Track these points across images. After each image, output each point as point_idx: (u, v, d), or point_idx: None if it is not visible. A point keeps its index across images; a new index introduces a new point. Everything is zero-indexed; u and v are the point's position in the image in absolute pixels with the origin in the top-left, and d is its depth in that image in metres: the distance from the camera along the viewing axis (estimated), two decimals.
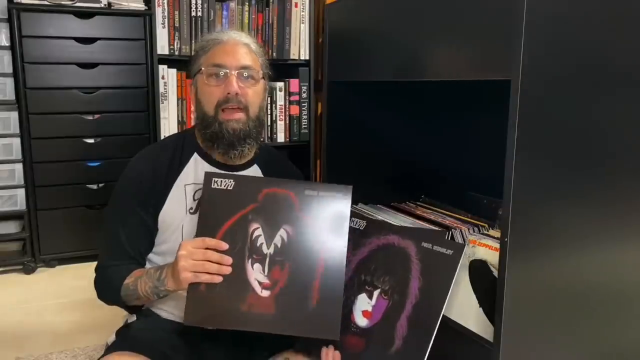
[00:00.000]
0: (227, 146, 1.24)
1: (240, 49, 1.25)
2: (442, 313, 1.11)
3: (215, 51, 1.25)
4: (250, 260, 1.11)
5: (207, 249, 1.09)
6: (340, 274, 1.12)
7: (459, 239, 1.43)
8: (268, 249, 1.12)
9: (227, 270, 1.09)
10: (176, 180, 1.27)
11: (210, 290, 1.09)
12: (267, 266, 1.11)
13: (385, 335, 1.15)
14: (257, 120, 1.27)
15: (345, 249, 1.14)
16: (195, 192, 1.26)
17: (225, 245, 1.10)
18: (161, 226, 1.26)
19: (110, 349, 1.20)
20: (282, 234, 1.12)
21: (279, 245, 1.12)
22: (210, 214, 1.13)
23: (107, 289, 1.24)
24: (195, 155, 1.30)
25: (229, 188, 1.14)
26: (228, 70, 1.22)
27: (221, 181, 1.14)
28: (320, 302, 1.10)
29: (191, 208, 1.26)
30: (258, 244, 1.12)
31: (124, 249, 1.24)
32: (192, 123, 2.50)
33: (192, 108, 1.40)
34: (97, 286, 1.28)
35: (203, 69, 1.25)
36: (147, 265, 1.28)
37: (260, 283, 1.10)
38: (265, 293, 1.10)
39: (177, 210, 1.25)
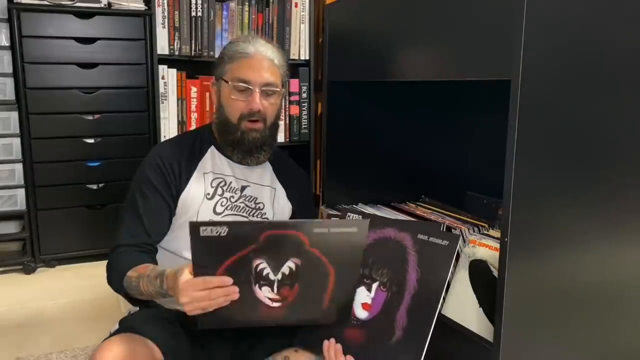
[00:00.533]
0: (246, 152, 1.33)
1: (265, 64, 1.30)
2: (440, 302, 1.12)
3: (241, 64, 1.30)
4: (257, 285, 1.07)
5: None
6: (352, 280, 1.12)
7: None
8: (275, 276, 1.08)
9: (235, 297, 1.05)
10: (197, 167, 1.34)
11: (221, 309, 1.05)
12: (276, 288, 1.08)
13: (386, 327, 1.16)
14: (272, 127, 1.36)
15: (359, 268, 1.14)
16: (212, 180, 1.34)
17: (229, 280, 1.03)
18: (180, 210, 1.31)
19: (113, 335, 1.20)
20: (289, 264, 1.08)
21: (286, 273, 1.08)
22: (205, 259, 1.02)
23: (113, 273, 1.25)
24: (212, 148, 1.37)
25: (221, 235, 1.01)
26: (252, 88, 1.29)
27: (211, 229, 1.00)
28: (331, 302, 1.11)
29: (208, 193, 1.33)
30: (264, 274, 1.07)
31: (139, 230, 1.27)
32: (197, 122, 2.51)
33: (214, 107, 1.42)
34: (107, 269, 1.28)
35: (230, 82, 1.30)
36: (159, 253, 1.32)
37: (270, 299, 1.09)
38: (276, 304, 1.09)
39: (197, 195, 1.31)
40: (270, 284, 1.08)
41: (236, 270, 1.04)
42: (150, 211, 1.29)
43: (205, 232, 1.00)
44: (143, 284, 1.17)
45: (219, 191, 1.35)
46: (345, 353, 1.18)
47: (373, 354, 1.16)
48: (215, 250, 1.02)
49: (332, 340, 1.19)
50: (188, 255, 1.26)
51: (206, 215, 1.31)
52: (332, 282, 1.09)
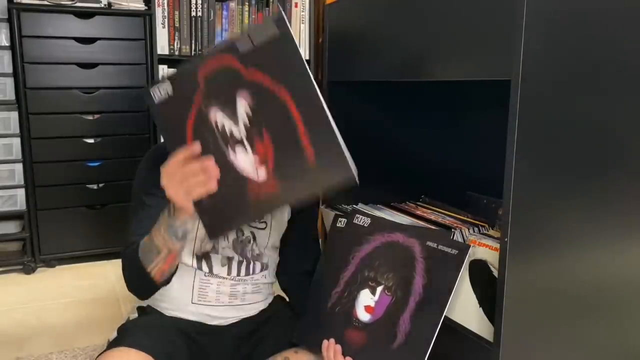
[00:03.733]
0: None
1: None
2: (445, 311, 1.11)
3: None
4: (229, 149, 1.01)
5: (183, 162, 1.00)
6: (320, 111, 0.96)
7: (459, 239, 1.43)
8: (238, 127, 1.00)
9: (215, 170, 1.00)
10: None
11: (213, 199, 1.01)
12: (247, 144, 1.00)
13: (388, 331, 1.16)
14: None
15: (316, 86, 0.95)
16: None
17: (197, 148, 0.99)
18: None
19: (111, 345, 1.20)
20: (244, 110, 0.99)
21: (247, 122, 0.99)
22: (169, 126, 1.02)
23: (129, 264, 1.17)
24: None
25: (169, 94, 1.01)
26: None
27: (159, 88, 1.01)
28: (317, 155, 0.96)
29: None
30: (228, 130, 1.00)
31: (146, 228, 1.20)
32: None
33: None
34: (123, 272, 1.21)
35: None
36: None
37: (252, 167, 1.01)
38: (262, 173, 1.00)
39: None
40: (240, 142, 1.00)
41: (201, 134, 1.00)
42: (160, 209, 1.23)
43: (156, 94, 1.01)
44: (155, 235, 1.10)
45: None
46: (344, 354, 1.17)
47: (373, 357, 1.16)
48: (173, 113, 1.01)
49: (332, 340, 1.19)
50: (187, 260, 1.27)
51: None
52: (294, 110, 0.97)
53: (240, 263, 1.32)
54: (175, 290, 1.29)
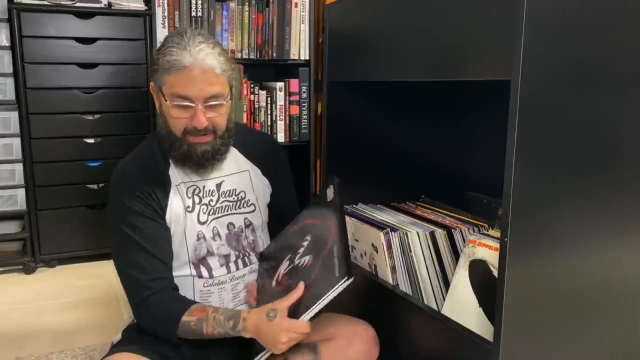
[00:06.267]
0: (197, 165, 1.24)
1: (205, 75, 1.15)
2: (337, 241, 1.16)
3: (178, 78, 1.15)
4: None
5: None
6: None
7: (459, 239, 1.43)
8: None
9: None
10: (168, 181, 1.25)
11: None
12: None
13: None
14: (225, 132, 1.24)
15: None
16: (187, 189, 1.26)
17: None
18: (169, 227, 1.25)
19: (115, 348, 1.20)
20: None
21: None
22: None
23: (161, 325, 1.17)
24: (170, 160, 1.26)
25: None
26: (194, 104, 1.16)
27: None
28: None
29: (188, 206, 1.26)
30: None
31: (152, 264, 1.19)
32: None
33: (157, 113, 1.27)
34: (146, 323, 1.19)
35: (166, 97, 1.18)
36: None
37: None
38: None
39: (178, 211, 1.25)
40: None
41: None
42: (150, 239, 1.20)
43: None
44: (207, 327, 1.14)
45: (197, 200, 1.27)
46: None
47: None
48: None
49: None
50: (185, 270, 1.25)
51: (193, 229, 1.26)
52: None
53: (237, 257, 1.32)
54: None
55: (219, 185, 1.30)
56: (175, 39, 1.17)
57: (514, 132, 0.95)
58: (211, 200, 1.29)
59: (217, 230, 1.30)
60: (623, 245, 1.12)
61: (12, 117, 2.37)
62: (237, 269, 1.32)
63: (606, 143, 1.05)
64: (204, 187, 1.28)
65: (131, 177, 1.24)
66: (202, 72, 1.14)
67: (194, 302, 1.21)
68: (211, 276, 1.28)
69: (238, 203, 1.33)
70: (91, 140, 2.52)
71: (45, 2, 2.34)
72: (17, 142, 2.39)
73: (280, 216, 1.43)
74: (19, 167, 2.40)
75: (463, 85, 1.71)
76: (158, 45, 2.45)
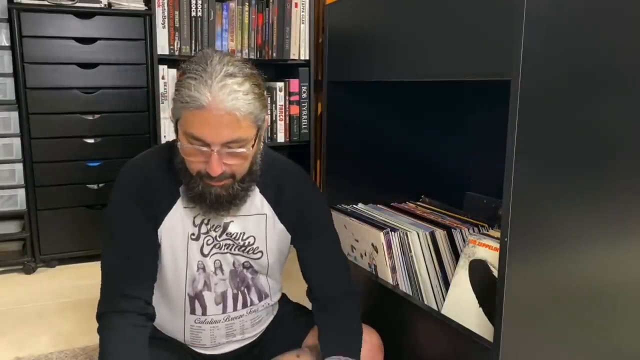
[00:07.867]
0: (210, 208, 1.09)
1: (225, 118, 0.98)
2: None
3: (194, 117, 0.99)
4: None
5: None
6: None
7: (459, 239, 1.43)
8: None
9: None
10: (179, 196, 1.13)
11: None
12: None
13: None
14: (247, 176, 1.10)
15: None
16: (195, 216, 1.14)
17: None
18: (160, 244, 1.13)
19: None
20: None
21: None
22: None
23: (101, 357, 1.07)
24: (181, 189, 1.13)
25: None
26: (210, 149, 1.00)
27: None
28: None
29: (193, 234, 1.14)
30: None
31: (127, 283, 1.09)
32: None
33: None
34: (99, 335, 1.10)
35: (182, 134, 1.03)
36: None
37: None
38: None
39: (177, 231, 1.13)
40: None
41: None
42: (135, 252, 1.11)
43: None
44: None
45: (203, 229, 1.14)
46: None
47: None
48: None
49: None
50: (179, 303, 1.17)
51: (194, 257, 1.15)
52: None
53: (235, 296, 1.20)
54: (168, 326, 1.21)
55: (226, 225, 1.16)
56: (198, 68, 1.00)
57: (514, 132, 0.95)
58: (217, 235, 1.16)
59: (220, 264, 1.18)
60: (623, 245, 1.12)
61: (12, 117, 2.37)
62: (235, 309, 1.20)
63: (606, 142, 1.05)
64: (210, 220, 1.15)
65: (136, 182, 1.15)
66: (222, 114, 0.98)
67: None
68: (204, 314, 1.18)
69: (244, 248, 1.18)
70: (91, 140, 2.52)
71: (45, 2, 2.34)
72: (17, 142, 2.39)
73: (312, 277, 1.25)
74: (19, 167, 2.40)
75: (463, 85, 1.71)
76: (158, 45, 2.49)
